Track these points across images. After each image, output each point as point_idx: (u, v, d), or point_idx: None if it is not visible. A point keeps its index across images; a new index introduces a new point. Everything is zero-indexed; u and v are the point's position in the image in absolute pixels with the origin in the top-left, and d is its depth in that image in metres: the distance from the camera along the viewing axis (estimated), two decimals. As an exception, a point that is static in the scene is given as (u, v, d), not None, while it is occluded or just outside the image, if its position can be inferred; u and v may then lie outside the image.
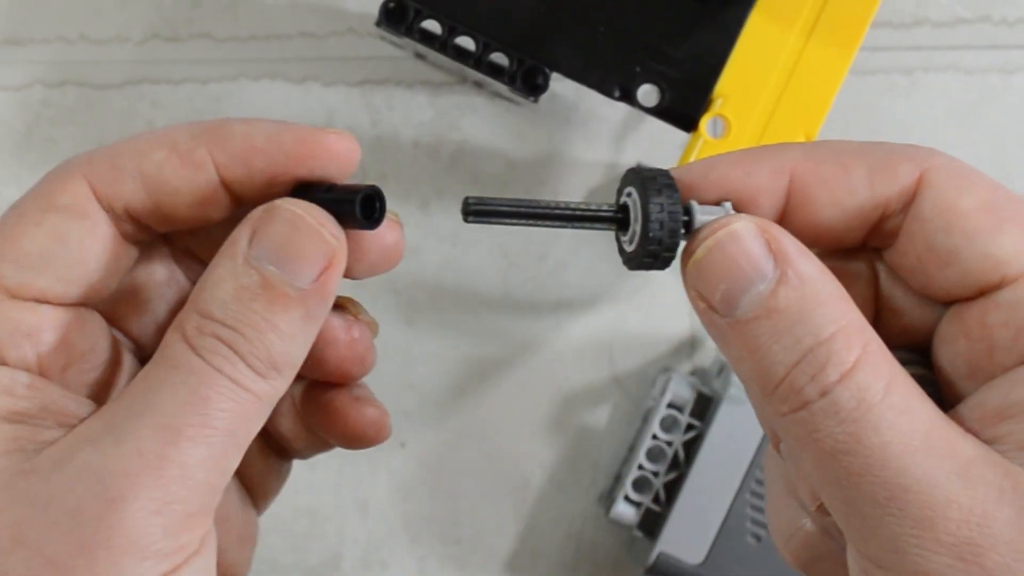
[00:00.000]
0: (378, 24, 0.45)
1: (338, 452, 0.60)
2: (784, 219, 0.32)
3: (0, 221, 0.32)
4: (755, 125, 0.44)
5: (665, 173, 0.32)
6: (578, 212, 0.32)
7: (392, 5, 0.45)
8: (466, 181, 0.60)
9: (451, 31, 0.45)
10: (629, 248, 0.32)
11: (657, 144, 0.60)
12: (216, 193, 0.33)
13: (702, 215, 0.31)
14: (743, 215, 0.31)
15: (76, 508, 0.29)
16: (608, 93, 0.45)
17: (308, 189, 0.33)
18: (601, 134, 0.60)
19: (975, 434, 0.29)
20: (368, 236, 0.33)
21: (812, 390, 0.29)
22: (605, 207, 0.32)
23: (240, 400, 0.31)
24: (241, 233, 0.31)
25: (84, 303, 0.32)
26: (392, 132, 0.59)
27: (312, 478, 0.60)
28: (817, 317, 0.29)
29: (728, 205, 0.32)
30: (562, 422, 0.61)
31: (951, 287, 0.30)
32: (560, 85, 0.51)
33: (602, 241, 0.60)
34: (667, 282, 0.60)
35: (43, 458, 0.30)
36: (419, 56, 0.57)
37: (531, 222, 0.32)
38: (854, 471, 0.28)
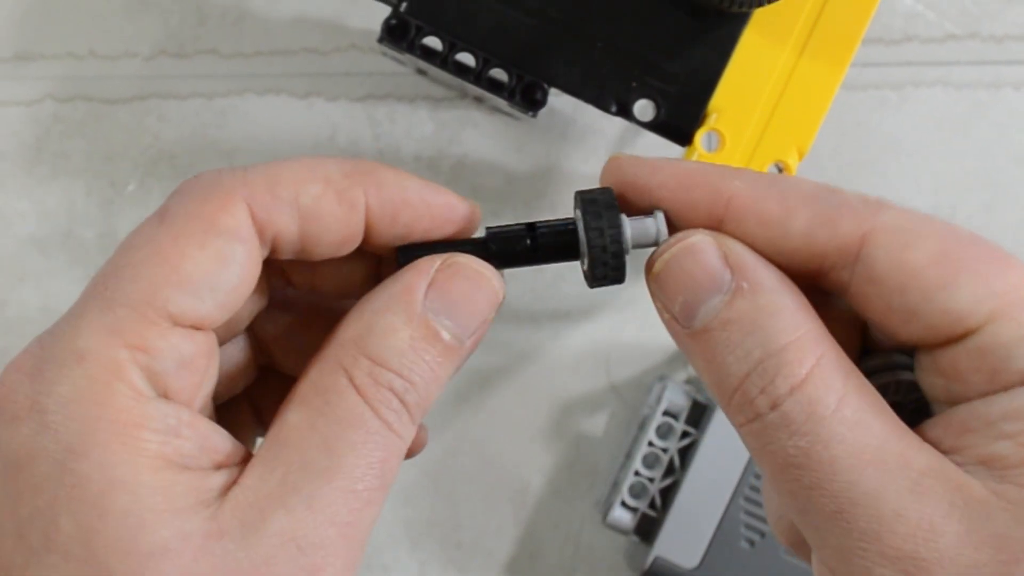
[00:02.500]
0: (380, 40, 0.45)
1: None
2: None
3: (147, 238, 0.30)
4: (749, 139, 0.44)
5: (608, 193, 0.32)
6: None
7: (394, 22, 0.45)
8: (466, 194, 0.59)
9: (452, 47, 0.45)
10: (584, 268, 0.33)
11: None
12: (358, 235, 0.32)
13: (633, 226, 0.32)
14: (701, 231, 0.31)
15: None
16: (605, 108, 0.45)
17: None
18: (598, 148, 0.60)
19: (936, 443, 0.28)
20: None
21: (763, 402, 0.28)
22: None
23: (401, 453, 0.31)
24: (417, 283, 0.31)
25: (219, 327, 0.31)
26: (394, 146, 0.59)
27: (316, 484, 0.60)
28: (770, 328, 0.28)
29: (660, 216, 0.32)
30: (560, 429, 0.61)
31: (918, 339, 0.29)
32: (558, 100, 0.51)
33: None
34: (663, 292, 0.60)
35: (229, 517, 0.28)
36: (420, 72, 0.57)
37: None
38: (804, 483, 0.28)
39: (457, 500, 0.61)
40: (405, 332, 0.30)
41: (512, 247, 0.33)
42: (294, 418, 0.30)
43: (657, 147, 0.46)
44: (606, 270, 0.32)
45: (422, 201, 0.32)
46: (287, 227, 0.31)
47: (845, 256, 0.29)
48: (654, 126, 0.45)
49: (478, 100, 0.59)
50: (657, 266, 0.31)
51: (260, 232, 0.30)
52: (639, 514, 0.55)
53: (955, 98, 0.60)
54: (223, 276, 0.29)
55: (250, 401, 0.37)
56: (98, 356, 0.28)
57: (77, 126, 0.59)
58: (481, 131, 0.59)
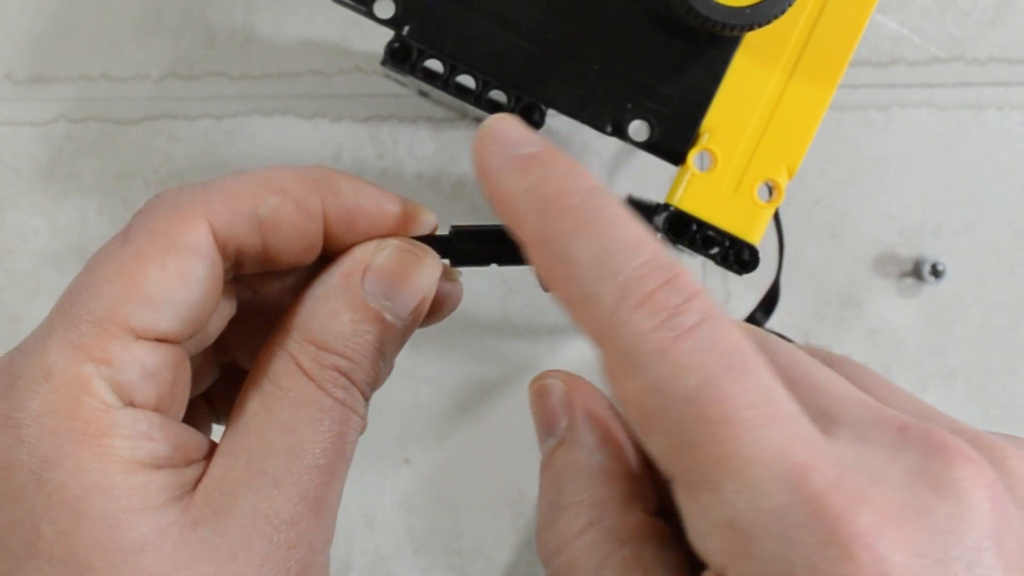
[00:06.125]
0: (383, 63, 0.45)
1: (345, 468, 0.60)
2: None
3: (110, 257, 0.30)
4: (740, 158, 0.44)
5: None
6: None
7: (396, 45, 0.44)
8: (467, 211, 0.60)
9: (452, 70, 0.45)
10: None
11: (647, 176, 0.60)
12: (318, 243, 0.32)
13: None
14: (558, 374, 0.31)
15: (263, 559, 0.29)
16: (601, 128, 0.45)
17: None
18: (594, 167, 0.60)
19: None
20: (441, 292, 0.34)
21: (543, 553, 0.28)
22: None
23: (358, 426, 0.31)
24: (355, 268, 0.31)
25: (188, 340, 0.31)
26: (396, 165, 0.59)
27: (320, 493, 0.60)
28: (564, 485, 0.28)
29: None
30: (558, 439, 0.60)
31: None
32: (555, 121, 0.51)
33: (595, 268, 0.60)
34: (657, 306, 0.60)
35: (200, 505, 0.29)
36: (422, 93, 0.57)
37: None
38: None
39: (459, 509, 0.60)
40: (346, 316, 0.31)
41: (474, 245, 0.34)
42: (251, 405, 0.30)
43: (651, 166, 0.46)
44: None
45: (378, 209, 0.33)
46: (248, 240, 0.31)
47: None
48: (648, 146, 0.45)
49: (478, 121, 0.59)
50: (529, 395, 0.32)
51: (222, 247, 0.31)
52: (634, 522, 0.55)
53: (940, 119, 0.60)
54: (184, 292, 0.30)
55: (204, 392, 0.38)
56: (65, 372, 0.28)
57: (89, 146, 0.59)
58: (481, 151, 0.59)
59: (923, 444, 0.24)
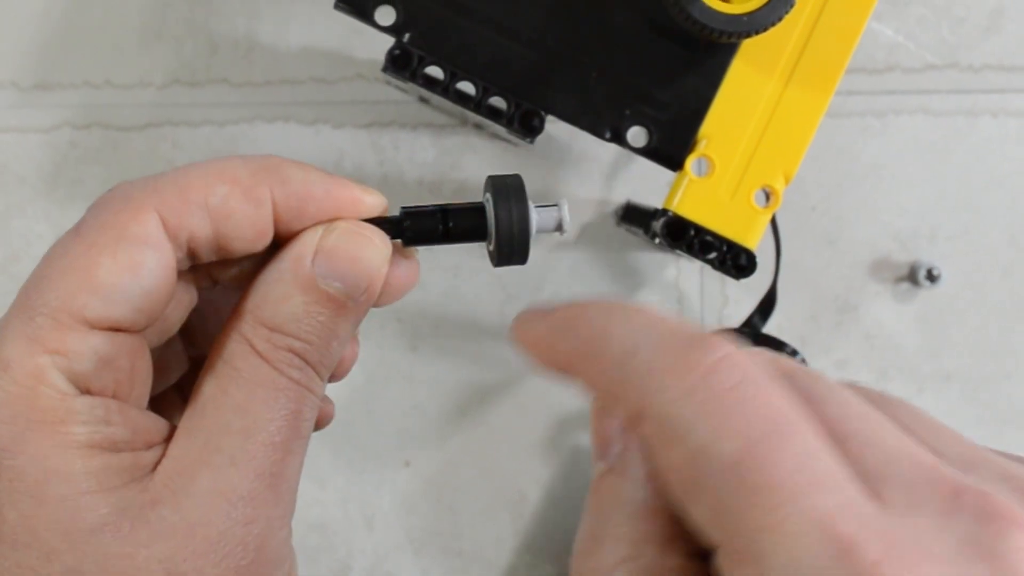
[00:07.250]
0: (384, 70, 0.45)
1: (346, 471, 0.60)
2: None
3: (64, 251, 0.30)
4: (737, 164, 0.44)
5: (517, 179, 0.33)
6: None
7: (398, 52, 0.44)
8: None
9: (453, 76, 0.45)
10: (490, 249, 0.34)
11: (646, 182, 0.60)
12: (268, 230, 0.32)
13: (539, 213, 0.33)
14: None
15: (221, 534, 0.29)
16: (600, 135, 0.45)
17: None
18: (593, 173, 0.60)
19: None
20: (393, 269, 0.34)
21: None
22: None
23: (314, 405, 0.32)
24: (305, 250, 0.32)
25: (146, 329, 0.32)
26: (397, 171, 0.59)
27: (322, 495, 0.60)
28: (607, 517, 0.27)
29: (564, 205, 0.33)
30: (556, 442, 0.60)
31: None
32: (555, 127, 0.51)
33: (593, 274, 0.60)
34: (655, 311, 0.60)
35: (159, 485, 0.29)
36: (423, 100, 0.57)
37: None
38: None
39: (458, 510, 0.60)
40: (298, 298, 0.31)
41: (424, 225, 0.34)
42: (208, 388, 0.31)
43: (649, 172, 0.46)
44: (511, 251, 0.33)
45: (327, 194, 0.33)
46: (200, 229, 0.31)
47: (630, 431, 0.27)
48: (646, 152, 0.45)
49: (478, 127, 0.59)
50: (590, 411, 0.31)
51: (173, 237, 0.31)
52: (633, 524, 0.55)
53: (935, 125, 0.60)
54: (136, 282, 0.30)
55: (176, 385, 0.38)
56: (22, 363, 0.29)
57: (93, 152, 0.59)
58: (481, 157, 0.59)
59: (976, 512, 0.22)
